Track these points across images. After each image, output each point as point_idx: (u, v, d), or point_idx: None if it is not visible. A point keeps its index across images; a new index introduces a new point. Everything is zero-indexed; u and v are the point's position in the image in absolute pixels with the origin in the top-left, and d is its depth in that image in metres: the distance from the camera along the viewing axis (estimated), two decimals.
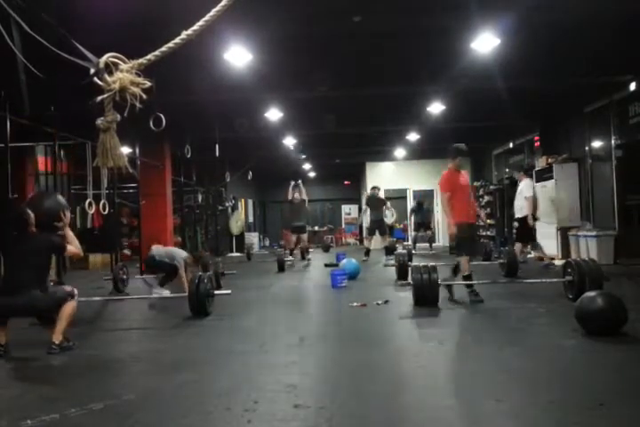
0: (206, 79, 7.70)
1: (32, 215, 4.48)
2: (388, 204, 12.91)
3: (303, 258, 12.51)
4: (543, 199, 10.70)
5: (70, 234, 4.62)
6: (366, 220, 13.21)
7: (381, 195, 13.31)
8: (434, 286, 5.59)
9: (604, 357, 3.63)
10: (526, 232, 9.48)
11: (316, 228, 22.78)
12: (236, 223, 17.58)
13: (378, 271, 9.86)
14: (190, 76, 7.43)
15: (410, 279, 6.12)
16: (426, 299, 5.62)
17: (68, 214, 4.72)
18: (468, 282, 5.87)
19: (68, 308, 4.26)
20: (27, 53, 3.95)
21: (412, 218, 14.61)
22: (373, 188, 12.98)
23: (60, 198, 5.04)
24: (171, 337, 4.90)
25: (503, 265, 7.97)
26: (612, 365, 3.45)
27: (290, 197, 12.54)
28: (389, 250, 11.81)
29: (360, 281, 8.36)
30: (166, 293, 7.06)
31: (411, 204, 19.06)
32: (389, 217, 17.49)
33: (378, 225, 12.47)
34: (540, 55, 7.49)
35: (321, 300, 6.82)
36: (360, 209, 22.99)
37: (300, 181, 12.67)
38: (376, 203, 12.60)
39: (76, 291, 4.43)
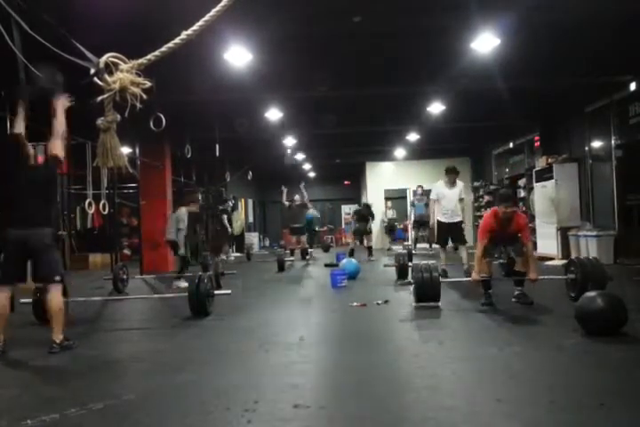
0: (206, 79, 7.69)
1: (32, 149, 4.36)
2: (371, 222, 13.81)
3: (303, 258, 12.63)
4: (543, 199, 10.71)
5: (61, 117, 4.27)
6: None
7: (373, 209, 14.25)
8: (435, 284, 5.59)
9: (604, 357, 3.63)
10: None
11: (317, 228, 22.78)
12: (236, 223, 17.61)
13: (378, 271, 9.85)
14: (190, 76, 7.43)
15: (410, 278, 6.11)
16: (427, 297, 5.62)
17: (64, 102, 4.29)
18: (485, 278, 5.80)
19: (55, 300, 4.20)
20: (27, 53, 3.95)
21: (412, 213, 14.91)
22: (365, 204, 14.14)
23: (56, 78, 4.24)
24: (171, 337, 4.90)
25: (503, 265, 7.96)
26: (612, 365, 3.45)
27: (290, 199, 13.28)
28: (371, 250, 13.22)
29: (360, 281, 8.35)
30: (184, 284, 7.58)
31: (411, 199, 19.10)
32: (390, 216, 17.60)
33: (362, 231, 13.46)
34: (540, 55, 7.49)
35: (321, 300, 6.82)
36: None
37: (302, 184, 13.39)
38: (364, 217, 13.46)
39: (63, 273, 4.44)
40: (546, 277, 6.03)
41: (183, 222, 8.31)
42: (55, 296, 4.22)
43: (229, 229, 14.28)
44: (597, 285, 5.17)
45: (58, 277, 4.24)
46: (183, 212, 8.46)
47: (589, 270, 5.49)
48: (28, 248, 4.17)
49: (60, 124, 4.27)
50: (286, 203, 13.38)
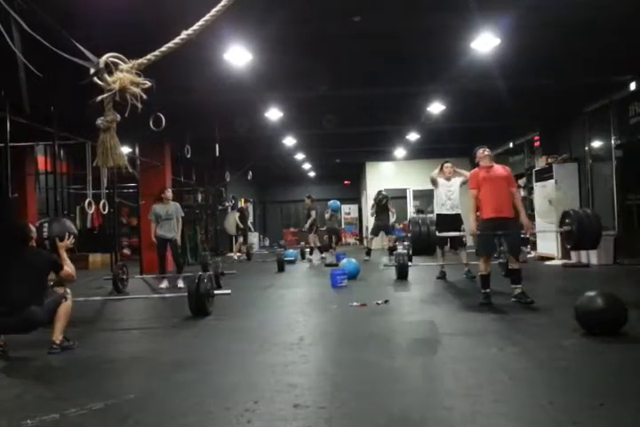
0: (206, 79, 7.69)
1: (33, 230, 4.49)
2: (392, 209, 13.20)
3: (310, 254, 13.51)
4: (543, 199, 10.71)
5: (66, 258, 4.58)
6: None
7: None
8: (431, 236, 5.59)
9: (603, 357, 3.63)
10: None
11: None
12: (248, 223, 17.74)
13: (378, 271, 9.86)
14: (190, 76, 7.42)
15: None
16: (424, 250, 5.64)
17: (71, 239, 4.74)
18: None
19: (64, 307, 4.27)
20: (27, 53, 3.95)
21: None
22: (380, 193, 13.21)
23: (68, 224, 5.06)
24: (171, 337, 4.90)
25: (503, 265, 7.96)
26: (612, 365, 3.45)
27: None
28: (393, 250, 12.09)
29: (360, 281, 8.35)
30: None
31: (410, 203, 19.07)
32: (390, 217, 17.57)
33: (383, 228, 12.82)
34: (539, 55, 7.49)
35: (321, 300, 6.82)
36: (359, 209, 23.03)
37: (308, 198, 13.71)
38: (383, 208, 12.83)
39: (69, 291, 4.45)
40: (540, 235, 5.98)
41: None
42: (65, 304, 4.31)
43: (241, 227, 14.46)
44: (593, 235, 5.19)
45: (63, 300, 4.31)
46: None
47: (585, 222, 5.51)
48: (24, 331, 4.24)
49: (67, 269, 4.47)
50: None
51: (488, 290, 5.73)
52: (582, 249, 5.59)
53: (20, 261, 4.29)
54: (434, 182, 8.14)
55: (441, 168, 8.20)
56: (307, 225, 13.35)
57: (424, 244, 5.60)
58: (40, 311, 4.16)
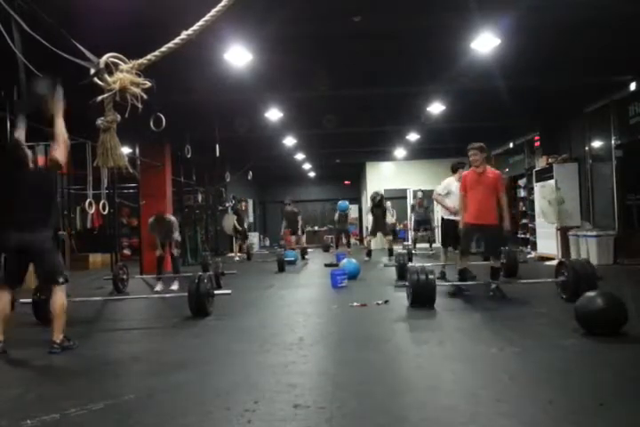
0: (206, 79, 7.70)
1: (29, 152, 4.30)
2: (390, 212, 13.32)
3: (303, 258, 13.31)
4: (543, 199, 10.71)
5: (60, 125, 4.16)
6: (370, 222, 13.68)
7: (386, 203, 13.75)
8: (430, 287, 5.57)
9: (604, 357, 3.63)
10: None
11: (316, 228, 22.81)
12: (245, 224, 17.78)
13: (378, 271, 9.85)
14: (190, 76, 7.43)
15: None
16: (422, 300, 5.61)
17: (61, 104, 4.17)
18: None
19: (58, 301, 4.21)
20: (27, 53, 3.95)
21: (413, 215, 14.73)
22: (375, 192, 13.10)
23: (49, 84, 4.14)
24: (171, 337, 4.90)
25: (503, 265, 7.95)
26: (612, 365, 3.45)
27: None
28: (391, 251, 12.05)
29: (360, 281, 8.36)
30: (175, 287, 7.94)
31: (411, 204, 19.06)
32: (389, 217, 17.57)
33: (380, 228, 12.73)
34: (539, 55, 7.50)
35: (321, 300, 6.82)
36: (360, 209, 23.02)
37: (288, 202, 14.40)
38: (378, 206, 12.70)
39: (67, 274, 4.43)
40: (537, 280, 6.14)
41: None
42: (59, 298, 4.23)
43: (239, 229, 14.50)
44: (589, 285, 5.19)
45: (61, 279, 4.26)
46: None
47: (580, 272, 5.51)
48: (29, 252, 4.18)
49: (59, 129, 4.17)
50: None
51: (459, 283, 6.14)
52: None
53: (24, 186, 4.18)
54: (446, 194, 7.82)
55: (454, 171, 8.01)
56: (299, 227, 13.36)
57: (424, 293, 5.57)
58: (52, 242, 4.19)
